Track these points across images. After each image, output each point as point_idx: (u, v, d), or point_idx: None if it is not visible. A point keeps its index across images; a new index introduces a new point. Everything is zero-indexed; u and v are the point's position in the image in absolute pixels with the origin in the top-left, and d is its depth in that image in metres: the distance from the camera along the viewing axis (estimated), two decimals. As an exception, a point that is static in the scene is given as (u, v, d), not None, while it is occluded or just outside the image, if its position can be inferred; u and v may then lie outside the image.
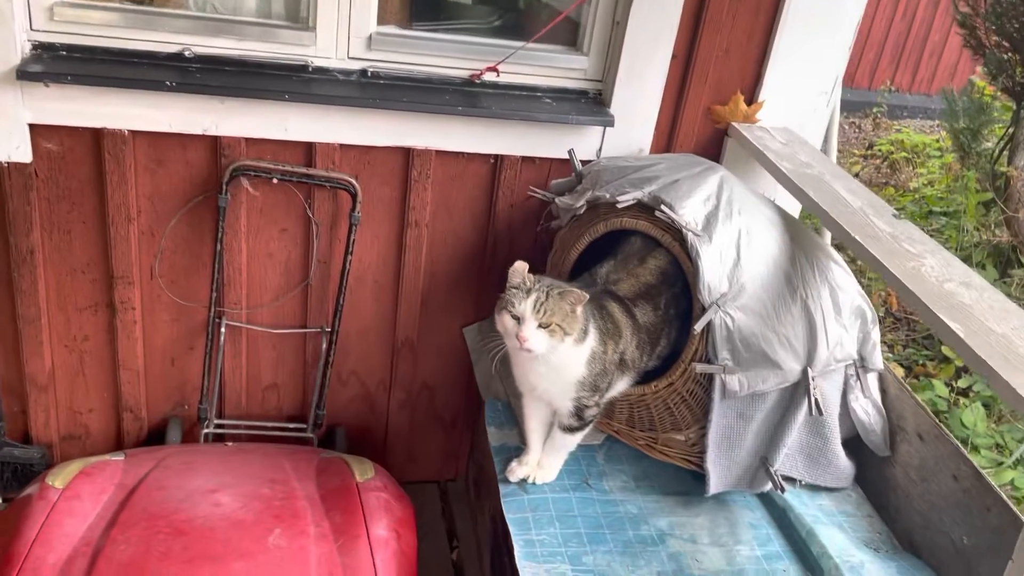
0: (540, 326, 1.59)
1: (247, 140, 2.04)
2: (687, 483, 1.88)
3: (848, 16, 2.19)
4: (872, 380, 1.87)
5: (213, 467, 1.98)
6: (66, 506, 1.77)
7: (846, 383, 1.86)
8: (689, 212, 1.78)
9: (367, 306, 2.33)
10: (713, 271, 1.72)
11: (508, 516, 1.72)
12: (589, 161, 2.16)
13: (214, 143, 2.02)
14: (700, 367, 1.73)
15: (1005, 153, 4.13)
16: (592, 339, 1.68)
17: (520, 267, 1.65)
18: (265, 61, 2.02)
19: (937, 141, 5.92)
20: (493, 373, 2.19)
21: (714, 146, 2.29)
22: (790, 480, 1.84)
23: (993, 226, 3.95)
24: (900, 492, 1.81)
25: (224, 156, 2.04)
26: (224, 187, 2.04)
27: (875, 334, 1.85)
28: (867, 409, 1.86)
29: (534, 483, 1.82)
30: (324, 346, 2.28)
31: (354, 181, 2.09)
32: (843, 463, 1.87)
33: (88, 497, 1.81)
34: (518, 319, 1.61)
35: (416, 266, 2.28)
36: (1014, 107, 4.13)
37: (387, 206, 2.20)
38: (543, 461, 1.83)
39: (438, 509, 2.56)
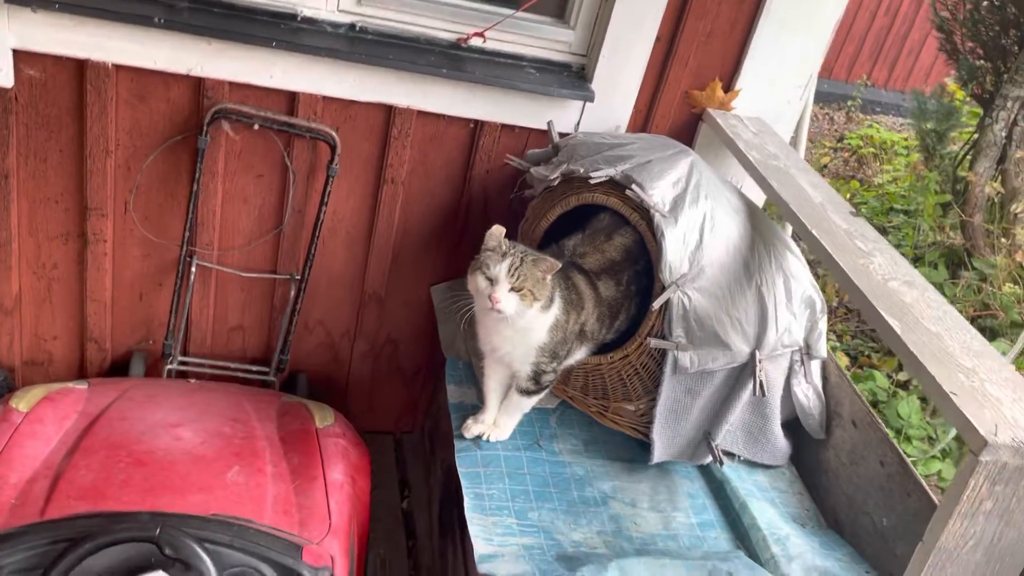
0: (512, 289, 1.66)
1: (231, 84, 2.06)
2: (633, 451, 1.97)
3: (827, 15, 2.26)
4: (815, 367, 1.97)
5: (176, 402, 2.02)
6: (29, 429, 1.81)
7: (790, 368, 1.96)
8: (658, 193, 1.85)
9: (338, 257, 2.37)
10: (676, 252, 1.80)
11: (460, 470, 1.80)
12: (567, 134, 2.21)
13: (198, 84, 2.03)
14: (655, 342, 1.81)
15: (968, 158, 4.26)
16: (557, 307, 1.75)
17: (497, 231, 1.71)
18: (255, 6, 2.03)
19: (906, 140, 6.05)
20: (459, 332, 2.26)
21: (688, 130, 2.35)
22: (729, 455, 1.94)
23: (948, 228, 4.09)
24: (831, 474, 1.93)
25: (207, 98, 2.06)
26: (205, 129, 2.05)
27: (822, 324, 1.95)
28: (808, 394, 1.96)
29: (488, 440, 1.90)
30: (292, 293, 2.33)
31: (334, 134, 2.12)
32: (781, 443, 1.97)
33: (51, 422, 1.85)
34: (492, 280, 1.67)
35: (389, 222, 2.33)
36: (981, 113, 4.25)
37: (365, 161, 2.24)
38: (499, 420, 1.91)
39: (392, 460, 2.64)
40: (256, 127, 2.09)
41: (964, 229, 3.92)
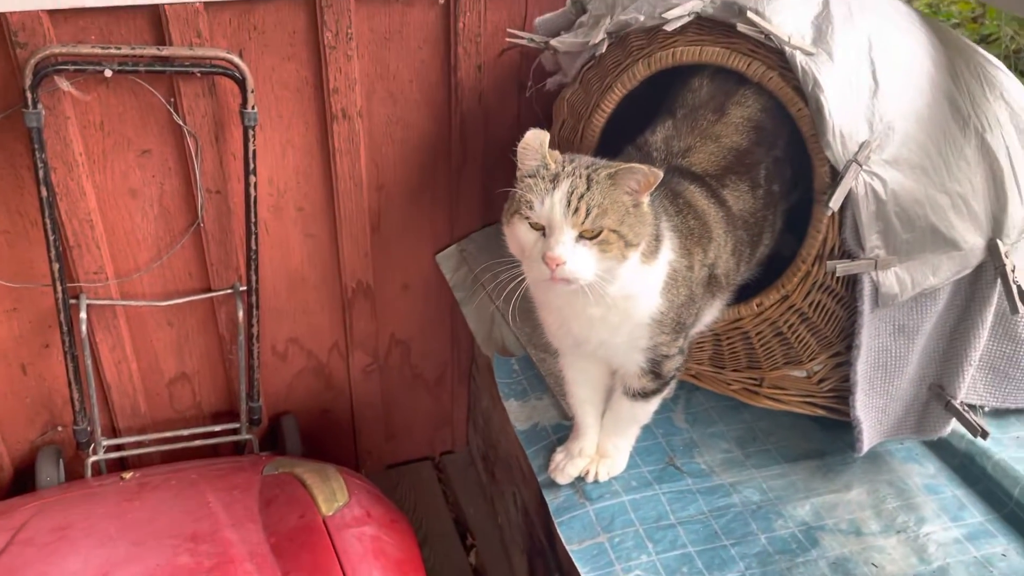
0: (583, 236, 0.92)
1: (51, 15, 1.27)
2: (815, 438, 1.27)
3: None
4: (1069, 243, 1.25)
5: (102, 529, 1.29)
6: None
7: (1035, 253, 1.24)
8: (788, 17, 1.09)
9: (294, 246, 1.62)
10: (844, 108, 1.05)
11: (570, 548, 1.08)
12: (586, -20, 1.43)
13: (-7, 25, 1.25)
14: (841, 266, 1.08)
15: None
16: (669, 248, 1.02)
17: (536, 139, 0.96)
18: None
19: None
20: (496, 313, 1.52)
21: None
22: (971, 408, 1.22)
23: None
24: None
25: (19, 46, 1.27)
26: (31, 96, 1.28)
27: (1071, 172, 1.21)
28: (1067, 287, 1.25)
29: (597, 481, 1.18)
30: (242, 311, 1.58)
31: (236, 59, 1.35)
32: (1041, 371, 1.26)
33: None
34: (543, 229, 0.93)
35: (355, 178, 1.57)
36: None
37: (296, 92, 1.47)
38: (604, 445, 1.19)
39: (439, 494, 1.93)
40: (109, 74, 1.31)
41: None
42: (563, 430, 1.26)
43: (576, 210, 0.92)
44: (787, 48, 1.07)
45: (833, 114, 1.05)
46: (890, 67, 1.10)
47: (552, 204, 0.93)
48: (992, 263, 1.12)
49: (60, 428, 1.64)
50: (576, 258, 0.93)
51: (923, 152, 1.08)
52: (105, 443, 1.61)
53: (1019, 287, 1.10)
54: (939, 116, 1.11)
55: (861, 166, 1.05)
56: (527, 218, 0.95)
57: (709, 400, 1.33)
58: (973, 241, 1.11)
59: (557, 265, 0.93)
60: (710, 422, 1.30)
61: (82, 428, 1.55)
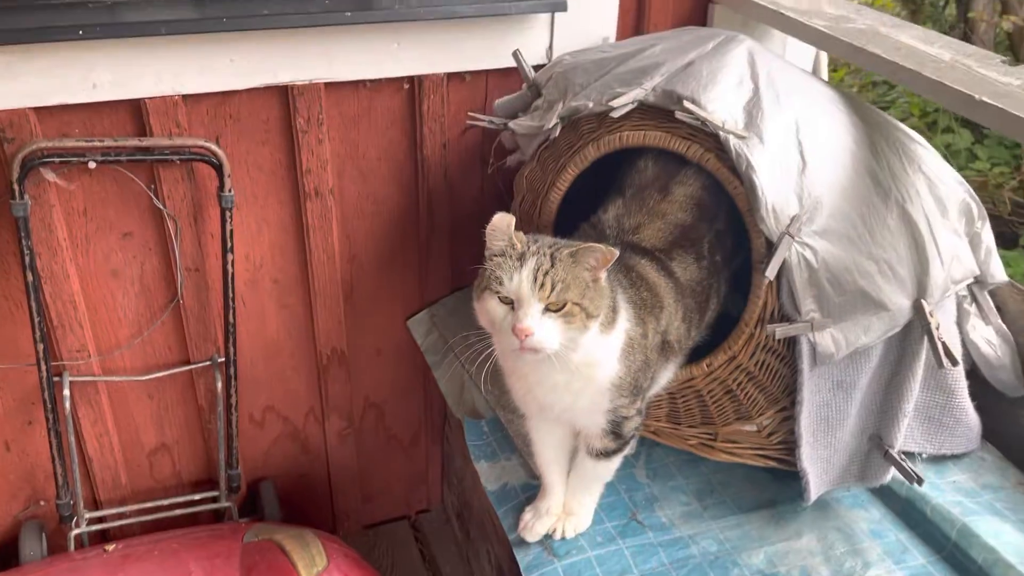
0: (549, 309, 1.00)
1: (37, 112, 1.35)
2: (769, 488, 1.35)
3: None
4: (990, 299, 1.36)
5: (86, 601, 1.33)
6: None
7: (959, 308, 1.35)
8: (721, 105, 1.20)
9: (270, 317, 1.68)
10: (774, 185, 1.16)
11: (541, 605, 1.15)
12: (541, 67, 1.54)
13: (-17, 123, 1.33)
14: (780, 330, 1.17)
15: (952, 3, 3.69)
16: (625, 319, 1.11)
17: (502, 222, 1.05)
18: (37, -17, 1.32)
19: None
20: (467, 377, 1.60)
21: (696, 18, 1.70)
22: (909, 456, 1.31)
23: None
24: (1052, 443, 1.32)
25: (6, 141, 1.35)
26: (18, 188, 1.35)
27: (987, 235, 1.33)
28: (990, 339, 1.36)
29: (564, 538, 1.25)
30: (220, 383, 1.64)
31: (214, 147, 1.43)
32: (972, 418, 1.36)
33: None
34: (512, 302, 1.01)
35: (327, 251, 1.65)
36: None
37: (271, 174, 1.55)
38: (571, 503, 1.26)
39: (417, 554, 1.97)
40: (93, 165, 1.39)
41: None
42: (532, 489, 1.33)
43: (542, 285, 1.01)
44: (721, 133, 1.17)
45: (765, 191, 1.15)
46: (816, 146, 1.21)
47: (520, 280, 1.01)
48: (919, 322, 1.22)
49: (43, 502, 1.67)
50: (543, 329, 1.01)
51: (849, 223, 1.19)
52: (87, 516, 1.65)
53: (943, 343, 1.20)
54: (863, 189, 1.22)
55: (793, 238, 1.15)
56: (497, 293, 1.04)
57: (668, 455, 1.41)
58: (900, 302, 1.21)
59: (526, 336, 1.01)
60: (670, 476, 1.37)
61: (65, 502, 1.59)
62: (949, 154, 2.84)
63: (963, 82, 1.16)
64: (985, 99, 1.11)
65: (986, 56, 1.26)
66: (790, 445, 1.29)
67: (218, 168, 1.45)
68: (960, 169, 2.23)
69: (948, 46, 1.30)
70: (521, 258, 1.03)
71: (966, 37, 3.60)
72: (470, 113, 1.51)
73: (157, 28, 1.33)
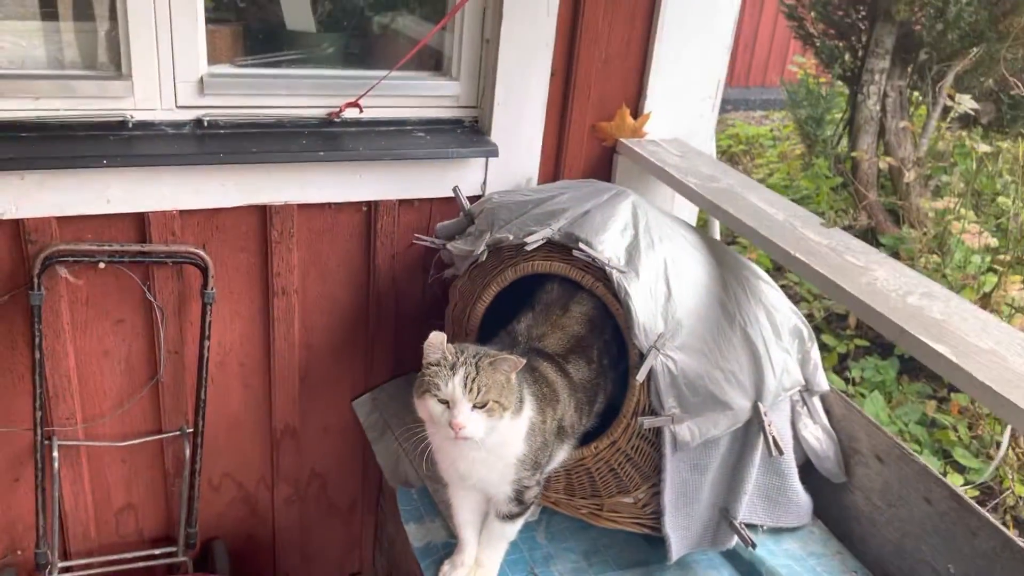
0: (475, 407, 1.32)
1: (59, 219, 1.65)
2: (643, 550, 1.66)
3: (724, 16, 2.06)
4: (818, 403, 1.73)
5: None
6: None
7: (793, 411, 1.71)
8: (609, 246, 1.56)
9: (234, 395, 1.97)
10: (646, 310, 1.52)
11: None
12: (476, 197, 1.90)
13: (16, 228, 1.62)
14: (648, 421, 1.51)
15: (846, 139, 4.25)
16: (529, 408, 1.43)
17: (437, 339, 1.37)
18: (73, 121, 1.64)
19: (770, 131, 6.10)
20: (401, 452, 1.89)
21: (604, 166, 2.10)
22: (752, 527, 1.65)
23: (849, 210, 4.05)
24: (865, 520, 1.68)
25: (30, 243, 1.64)
26: (36, 281, 1.63)
27: (815, 353, 1.71)
28: (818, 435, 1.72)
29: (474, 586, 1.54)
30: (188, 451, 1.90)
31: (202, 252, 1.74)
32: (803, 498, 1.71)
33: None
34: (447, 402, 1.33)
35: (289, 340, 1.95)
36: (848, 92, 4.26)
37: (246, 275, 1.86)
38: (481, 558, 1.56)
39: (347, 611, 2.22)
40: (102, 265, 1.68)
41: (866, 208, 3.88)
42: (450, 546, 1.62)
43: (471, 390, 1.33)
44: (607, 268, 1.53)
45: (639, 314, 1.51)
46: (679, 281, 1.58)
47: (454, 386, 1.33)
48: (756, 419, 1.58)
49: (20, 552, 1.89)
50: (472, 422, 1.33)
51: (703, 341, 1.55)
52: (59, 565, 1.87)
53: (774, 437, 1.56)
54: (714, 315, 1.59)
55: (659, 350, 1.51)
56: (435, 395, 1.35)
57: (564, 521, 1.72)
58: (742, 403, 1.56)
59: (460, 428, 1.33)
60: (564, 539, 1.68)
61: (43, 552, 1.81)
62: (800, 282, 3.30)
63: (785, 239, 1.55)
64: (798, 255, 1.50)
65: (809, 217, 1.66)
66: (659, 515, 1.61)
67: (204, 270, 1.76)
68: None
69: (785, 208, 1.70)
70: (453, 368, 1.35)
71: (853, 171, 4.15)
72: (416, 234, 1.86)
73: (163, 160, 1.65)
